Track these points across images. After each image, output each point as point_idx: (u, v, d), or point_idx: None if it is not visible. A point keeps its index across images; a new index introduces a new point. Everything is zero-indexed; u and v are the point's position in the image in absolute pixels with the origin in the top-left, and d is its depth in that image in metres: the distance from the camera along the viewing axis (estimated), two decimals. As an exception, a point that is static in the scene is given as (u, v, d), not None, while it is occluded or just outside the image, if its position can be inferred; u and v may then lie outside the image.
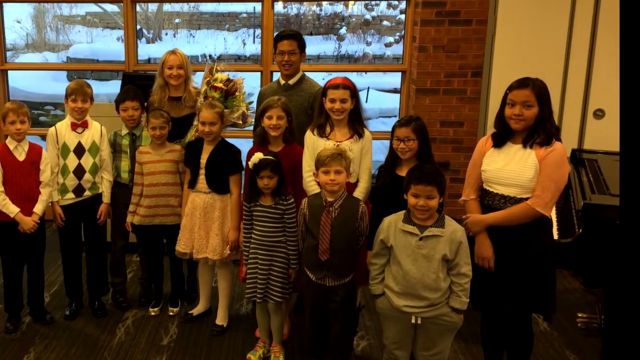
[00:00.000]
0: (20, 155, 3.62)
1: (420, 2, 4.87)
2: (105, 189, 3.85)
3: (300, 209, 3.20)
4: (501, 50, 4.84)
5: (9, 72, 5.71)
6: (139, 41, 5.70)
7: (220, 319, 3.80)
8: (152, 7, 16.76)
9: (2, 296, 3.93)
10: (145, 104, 3.97)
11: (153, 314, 3.97)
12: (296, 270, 3.31)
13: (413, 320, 2.82)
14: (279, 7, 14.98)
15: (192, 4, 16.63)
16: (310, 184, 3.33)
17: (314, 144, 3.35)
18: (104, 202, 3.86)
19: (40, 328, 3.81)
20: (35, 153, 3.67)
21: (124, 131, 3.92)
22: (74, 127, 3.77)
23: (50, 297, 4.18)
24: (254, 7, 16.34)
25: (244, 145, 4.00)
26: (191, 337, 3.72)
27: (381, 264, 2.92)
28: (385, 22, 16.45)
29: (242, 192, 3.59)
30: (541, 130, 2.80)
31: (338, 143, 3.30)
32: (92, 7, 16.94)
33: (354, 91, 3.34)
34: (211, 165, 3.60)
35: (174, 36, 17.28)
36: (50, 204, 3.77)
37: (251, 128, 3.93)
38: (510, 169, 2.85)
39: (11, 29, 14.53)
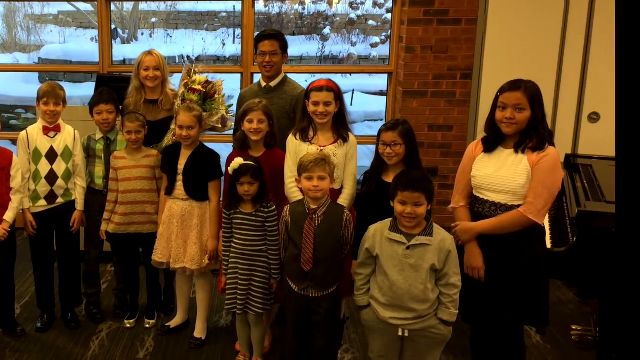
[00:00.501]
0: (-10, 161, 3.55)
1: (407, 1, 4.84)
2: (78, 196, 3.79)
3: (282, 216, 3.15)
4: (492, 51, 4.81)
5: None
6: (113, 41, 5.68)
7: (199, 332, 3.74)
8: (128, 5, 16.76)
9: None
10: (121, 107, 3.91)
11: (128, 326, 3.90)
12: (278, 280, 3.27)
13: (400, 333, 2.78)
14: (260, 5, 14.99)
15: (169, 3, 16.64)
16: (293, 191, 3.28)
17: (296, 148, 3.31)
18: (77, 210, 3.79)
19: (10, 341, 3.73)
20: (5, 158, 3.59)
21: (98, 135, 3.87)
22: (46, 131, 3.70)
23: (21, 308, 4.10)
24: (234, 6, 16.34)
25: (224, 150, 3.99)
26: (168, 351, 3.66)
27: (366, 274, 2.88)
28: (370, 22, 16.50)
29: (221, 199, 3.55)
30: (534, 135, 2.76)
31: (321, 148, 3.26)
32: (65, 6, 16.90)
33: (338, 94, 3.29)
34: (189, 171, 3.55)
35: (151, 36, 17.24)
36: (21, 212, 3.69)
37: (231, 132, 3.89)
38: (502, 175, 2.81)
39: (-20, 28, 14.51)
